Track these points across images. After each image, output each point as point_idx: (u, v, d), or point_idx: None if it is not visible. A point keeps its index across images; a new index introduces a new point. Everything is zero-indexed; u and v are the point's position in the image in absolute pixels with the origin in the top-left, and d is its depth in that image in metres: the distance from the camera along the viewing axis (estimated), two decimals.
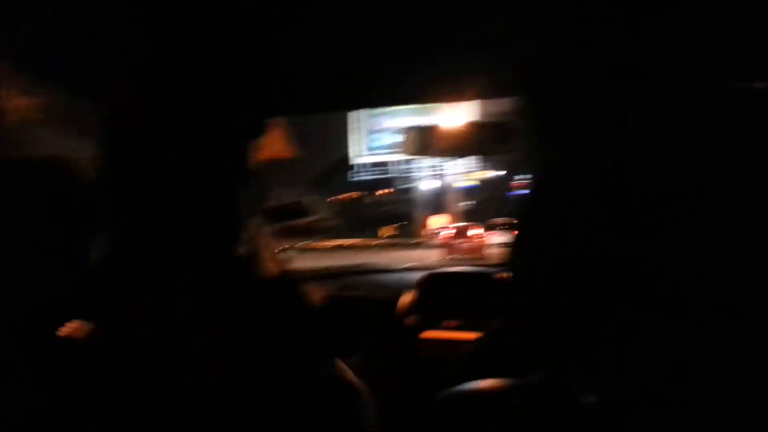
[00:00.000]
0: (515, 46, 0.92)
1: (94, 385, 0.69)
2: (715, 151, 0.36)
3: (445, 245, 11.05)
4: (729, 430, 0.34)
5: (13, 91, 1.52)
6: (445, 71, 1.15)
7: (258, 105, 1.27)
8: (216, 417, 0.77)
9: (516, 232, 0.47)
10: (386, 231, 15.54)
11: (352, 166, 20.22)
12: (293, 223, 1.98)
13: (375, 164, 20.04)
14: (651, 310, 0.37)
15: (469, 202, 18.14)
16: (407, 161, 19.49)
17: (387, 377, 1.15)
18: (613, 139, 0.42)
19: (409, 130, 1.70)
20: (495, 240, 10.27)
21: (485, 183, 18.59)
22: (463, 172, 18.85)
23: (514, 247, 0.46)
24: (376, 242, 13.57)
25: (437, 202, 18.22)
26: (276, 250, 1.97)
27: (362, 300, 1.47)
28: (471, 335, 1.24)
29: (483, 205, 17.22)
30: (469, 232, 11.44)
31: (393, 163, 20.11)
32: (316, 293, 1.49)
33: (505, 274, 0.46)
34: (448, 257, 10.06)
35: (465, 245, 10.88)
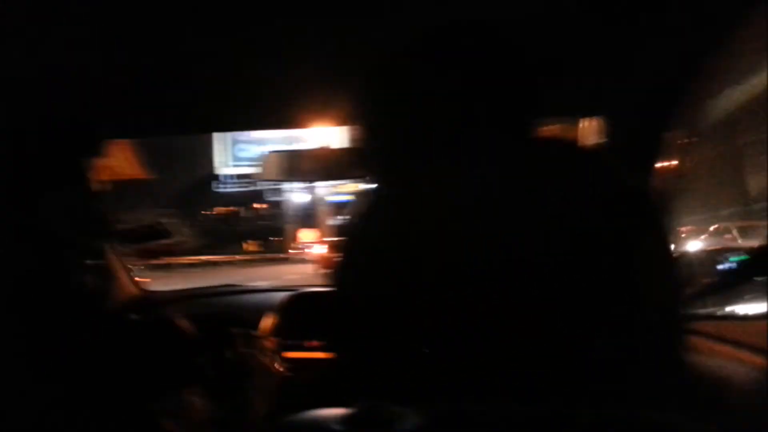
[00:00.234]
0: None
1: None
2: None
3: (316, 260, 11.02)
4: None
5: None
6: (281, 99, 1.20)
7: (89, 125, 1.23)
8: None
9: (343, 251, 0.49)
10: (251, 246, 15.11)
11: (217, 176, 19.47)
12: (151, 246, 1.89)
13: (241, 176, 19.48)
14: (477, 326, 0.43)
15: (341, 216, 18.17)
16: None
17: (238, 399, 1.14)
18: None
19: (266, 155, 1.72)
20: None
21: (359, 196, 18.71)
22: (335, 186, 18.98)
23: (342, 265, 0.49)
24: (240, 257, 13.13)
25: (308, 216, 18.13)
26: (132, 271, 1.87)
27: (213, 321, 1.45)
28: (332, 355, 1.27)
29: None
30: None
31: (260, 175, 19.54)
32: (174, 317, 1.44)
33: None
34: (321, 272, 10.03)
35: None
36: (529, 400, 0.42)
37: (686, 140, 1.24)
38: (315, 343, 1.36)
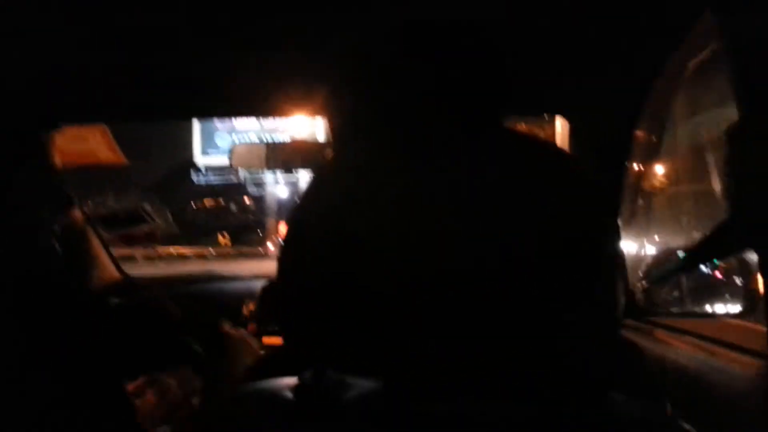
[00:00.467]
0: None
1: None
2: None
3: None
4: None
5: None
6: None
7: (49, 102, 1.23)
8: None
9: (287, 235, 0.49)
10: (225, 240, 14.88)
11: (194, 164, 19.18)
12: (135, 231, 1.90)
13: (222, 168, 19.22)
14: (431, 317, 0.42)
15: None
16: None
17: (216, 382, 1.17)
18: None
19: (237, 146, 1.76)
20: None
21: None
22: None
23: (286, 250, 0.48)
24: (216, 251, 12.92)
25: (289, 209, 17.82)
26: (113, 256, 1.87)
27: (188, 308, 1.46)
28: None
29: None
30: None
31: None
32: (159, 300, 1.45)
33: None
34: None
35: None
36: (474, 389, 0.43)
37: (653, 140, 1.29)
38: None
